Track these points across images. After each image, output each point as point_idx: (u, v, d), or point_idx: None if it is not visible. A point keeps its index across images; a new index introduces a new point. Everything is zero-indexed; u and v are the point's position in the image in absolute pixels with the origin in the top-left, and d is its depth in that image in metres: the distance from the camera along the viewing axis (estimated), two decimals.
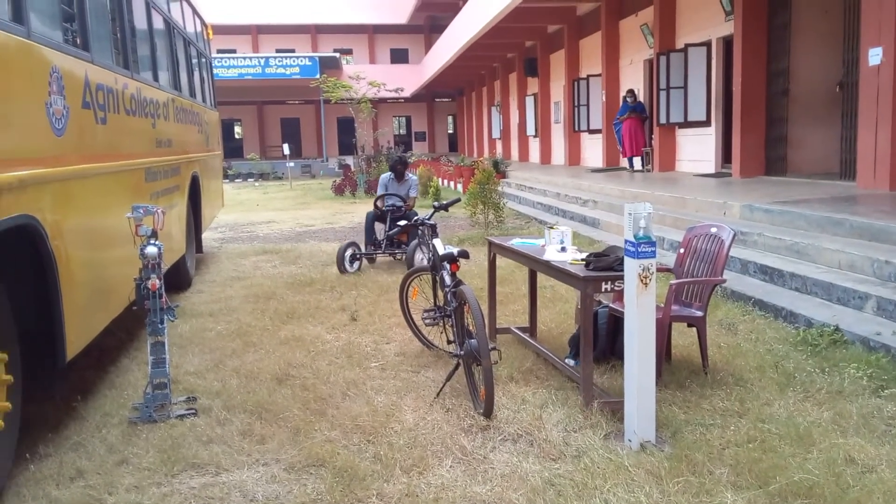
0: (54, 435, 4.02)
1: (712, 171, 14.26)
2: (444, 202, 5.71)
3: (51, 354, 3.82)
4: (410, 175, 9.84)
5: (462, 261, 4.94)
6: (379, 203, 9.42)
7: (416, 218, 5.70)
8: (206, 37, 10.74)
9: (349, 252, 8.79)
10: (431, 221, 5.32)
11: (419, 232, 8.41)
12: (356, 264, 8.84)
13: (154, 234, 4.26)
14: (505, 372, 4.80)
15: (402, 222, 7.81)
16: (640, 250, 3.59)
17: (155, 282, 4.19)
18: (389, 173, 9.76)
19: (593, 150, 20.70)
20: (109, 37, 5.33)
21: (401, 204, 9.37)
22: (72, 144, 4.19)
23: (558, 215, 13.06)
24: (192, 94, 8.89)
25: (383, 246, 9.06)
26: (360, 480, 3.39)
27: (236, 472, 3.55)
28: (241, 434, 3.98)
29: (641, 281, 3.60)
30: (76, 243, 4.15)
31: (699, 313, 4.71)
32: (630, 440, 3.66)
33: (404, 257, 8.77)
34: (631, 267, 3.63)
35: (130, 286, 4.39)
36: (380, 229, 9.32)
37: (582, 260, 4.43)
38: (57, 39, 4.15)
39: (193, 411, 4.27)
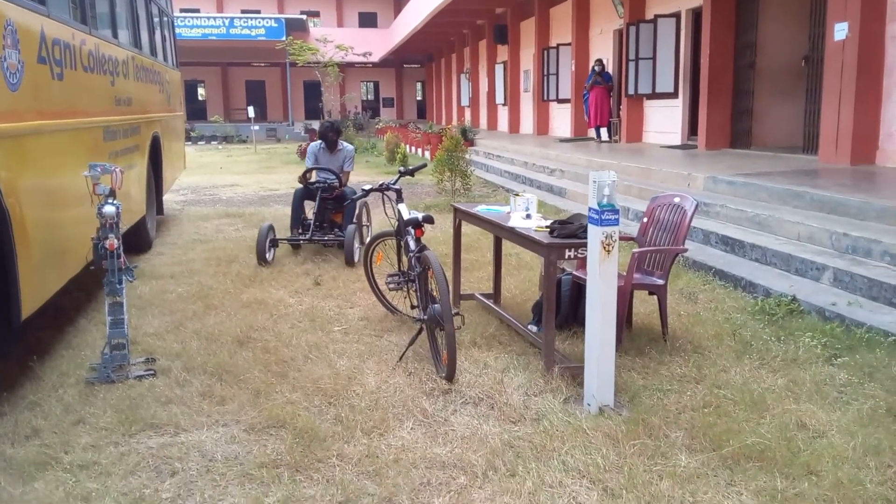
0: (10, 394, 3.95)
1: (679, 142, 14.35)
2: (410, 167, 5.67)
3: (5, 314, 3.75)
4: (345, 144, 8.25)
5: (427, 227, 4.93)
6: (307, 176, 8.02)
7: (355, 196, 5.52)
8: None
9: (269, 238, 7.36)
10: (397, 186, 5.28)
11: (355, 213, 7.61)
12: (272, 252, 7.39)
13: (112, 194, 4.17)
14: (468, 337, 4.82)
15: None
16: (603, 218, 3.61)
17: (113, 241, 4.11)
18: (319, 142, 8.16)
19: (562, 119, 20.70)
20: None
21: (333, 179, 7.89)
22: (27, 100, 4.06)
23: (525, 184, 13.07)
24: (153, 52, 8.68)
25: (311, 230, 7.61)
26: (320, 441, 3.39)
27: (195, 432, 3.53)
28: (201, 395, 3.95)
29: (604, 248, 3.62)
30: (31, 201, 4.05)
31: (660, 282, 4.76)
32: (589, 404, 3.71)
33: (337, 245, 7.68)
34: (594, 234, 3.65)
35: (88, 246, 4.30)
36: (309, 209, 8.00)
37: (546, 227, 4.44)
38: None
39: (152, 372, 4.23)
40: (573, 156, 13.71)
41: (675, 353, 4.48)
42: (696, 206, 4.80)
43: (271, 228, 7.40)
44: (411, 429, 3.56)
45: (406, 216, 4.90)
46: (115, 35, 6.51)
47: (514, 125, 24.97)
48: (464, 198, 11.44)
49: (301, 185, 8.01)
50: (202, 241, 8.54)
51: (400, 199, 5.21)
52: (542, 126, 22.28)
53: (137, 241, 7.54)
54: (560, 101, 20.55)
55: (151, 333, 4.99)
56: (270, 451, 3.33)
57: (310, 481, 3.08)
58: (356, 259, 7.06)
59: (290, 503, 2.91)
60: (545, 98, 21.44)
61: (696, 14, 13.64)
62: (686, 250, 4.85)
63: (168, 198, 10.89)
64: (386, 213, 5.32)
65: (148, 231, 7.87)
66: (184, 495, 2.99)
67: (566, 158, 13.81)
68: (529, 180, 13.14)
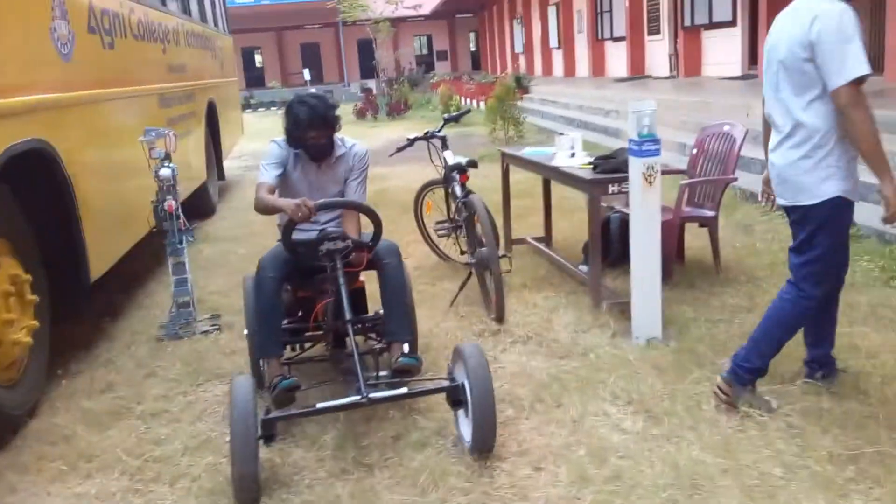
0: (86, 353, 4.20)
1: (739, 73, 13.92)
2: (454, 114, 5.69)
3: (76, 277, 3.97)
4: (350, 143, 3.67)
5: (479, 175, 4.95)
6: (288, 231, 3.26)
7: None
8: None
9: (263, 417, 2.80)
10: (441, 134, 5.31)
11: (406, 284, 3.49)
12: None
13: (167, 157, 4.34)
14: (518, 280, 4.88)
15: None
16: (643, 149, 3.59)
17: (171, 203, 4.29)
18: (285, 145, 3.68)
19: (617, 58, 20.23)
20: None
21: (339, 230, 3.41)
22: (81, 70, 4.23)
23: (581, 128, 12.88)
24: (203, 18, 8.82)
25: (353, 357, 3.00)
26: None
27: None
28: None
29: (646, 179, 3.61)
30: (93, 168, 4.25)
31: (711, 213, 4.71)
32: (637, 337, 3.74)
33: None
34: (635, 166, 3.64)
35: (150, 210, 4.50)
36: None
37: (590, 164, 4.43)
38: None
39: (217, 327, 4.43)
40: (630, 95, 13.44)
41: (728, 285, 4.45)
42: (746, 133, 4.71)
43: (260, 392, 3.15)
44: None
45: (451, 162, 4.95)
46: (163, 2, 6.66)
47: (570, 69, 24.53)
48: (518, 145, 11.38)
49: (275, 247, 3.47)
50: None
51: (445, 146, 5.25)
52: (598, 67, 21.84)
53: (201, 206, 7.77)
54: (615, 40, 20.08)
55: (216, 292, 5.20)
56: None
57: None
58: None
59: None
60: (599, 37, 20.98)
61: None
62: (735, 179, 4.77)
63: (229, 164, 11.14)
64: (432, 162, 5.36)
65: (210, 196, 8.12)
66: None
67: (622, 98, 13.54)
68: (585, 123, 12.97)
